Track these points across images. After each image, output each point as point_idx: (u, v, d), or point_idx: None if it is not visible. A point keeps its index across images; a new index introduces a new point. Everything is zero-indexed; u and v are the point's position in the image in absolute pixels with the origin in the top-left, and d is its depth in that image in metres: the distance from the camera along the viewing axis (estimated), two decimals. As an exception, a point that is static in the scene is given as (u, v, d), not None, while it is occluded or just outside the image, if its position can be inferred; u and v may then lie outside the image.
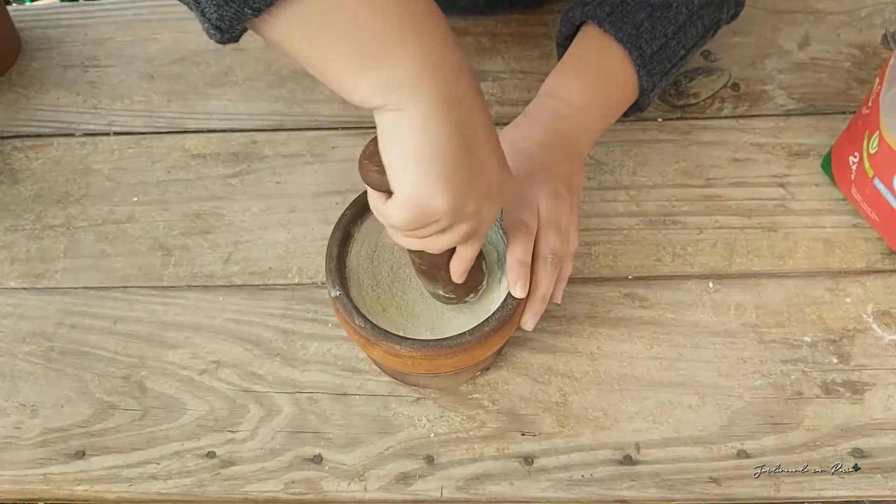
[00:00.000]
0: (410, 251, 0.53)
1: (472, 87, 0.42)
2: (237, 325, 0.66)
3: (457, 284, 0.55)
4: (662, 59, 0.62)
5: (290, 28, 0.38)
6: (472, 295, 0.58)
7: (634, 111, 0.66)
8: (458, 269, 0.52)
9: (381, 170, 0.43)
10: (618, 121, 0.65)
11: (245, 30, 0.40)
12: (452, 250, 0.51)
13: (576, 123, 0.61)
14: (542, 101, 0.62)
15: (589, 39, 0.63)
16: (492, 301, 0.58)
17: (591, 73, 0.62)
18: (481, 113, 0.43)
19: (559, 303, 0.60)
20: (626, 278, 0.67)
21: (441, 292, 0.57)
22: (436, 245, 0.47)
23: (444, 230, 0.45)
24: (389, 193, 0.43)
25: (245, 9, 0.37)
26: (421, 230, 0.44)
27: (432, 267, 0.54)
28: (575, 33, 0.65)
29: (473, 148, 0.42)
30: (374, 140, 0.43)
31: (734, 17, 0.69)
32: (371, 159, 0.43)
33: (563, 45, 0.66)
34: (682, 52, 0.64)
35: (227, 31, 0.39)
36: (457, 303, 0.59)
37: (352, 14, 0.38)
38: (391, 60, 0.39)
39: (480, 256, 0.57)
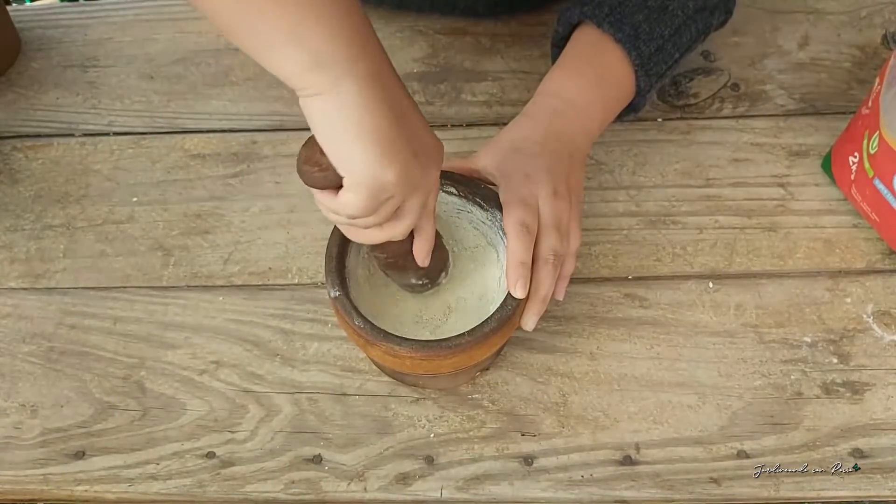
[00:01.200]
0: (372, 250, 0.53)
1: (384, 58, 0.43)
2: (237, 326, 0.66)
3: (426, 268, 0.55)
4: (659, 60, 0.63)
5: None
6: (443, 275, 0.58)
7: (630, 112, 0.66)
8: (422, 250, 0.52)
9: (323, 167, 0.43)
10: (616, 121, 0.65)
11: None
12: (412, 236, 0.52)
13: (575, 122, 0.61)
14: (540, 100, 0.62)
15: (587, 39, 0.63)
16: (491, 301, 0.58)
17: (590, 72, 0.62)
18: (402, 85, 0.44)
19: (561, 300, 0.60)
20: (626, 278, 0.67)
21: (413, 281, 0.57)
22: (396, 230, 0.47)
23: (399, 210, 0.46)
24: (337, 188, 0.44)
25: None
26: (378, 213, 0.45)
27: (398, 257, 0.54)
28: (571, 34, 0.65)
29: (407, 118, 0.43)
30: (307, 144, 0.44)
31: (723, 23, 0.70)
32: (309, 162, 0.44)
33: (559, 45, 0.66)
34: (677, 55, 0.64)
35: None
36: (431, 287, 0.59)
37: None
38: (321, 37, 0.39)
39: (437, 234, 0.56)
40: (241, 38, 0.40)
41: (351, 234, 0.49)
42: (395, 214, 0.47)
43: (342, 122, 0.41)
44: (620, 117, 0.65)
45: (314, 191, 0.46)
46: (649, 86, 0.63)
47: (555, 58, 0.66)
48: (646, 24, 0.61)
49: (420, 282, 0.58)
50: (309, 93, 0.41)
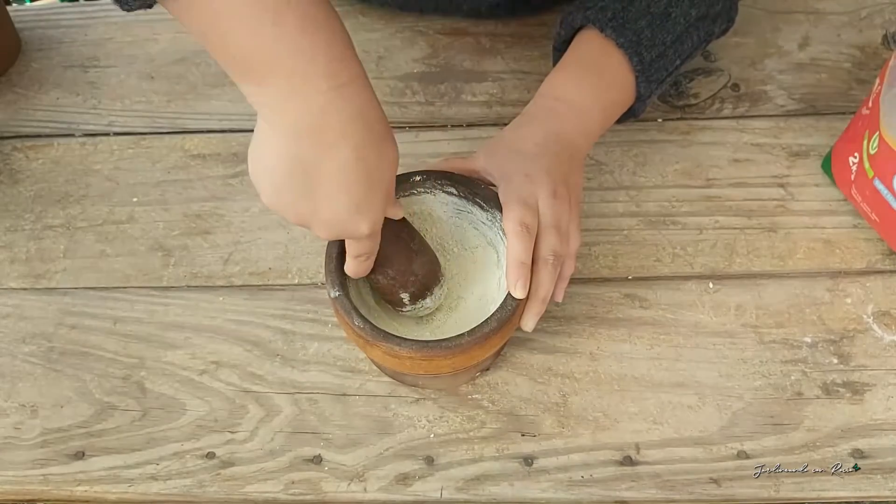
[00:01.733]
0: (376, 290, 0.58)
1: (338, 115, 0.43)
2: (237, 326, 0.66)
3: (377, 279, 0.56)
4: (660, 66, 0.63)
5: (182, 19, 0.41)
6: (420, 303, 0.58)
7: (629, 117, 0.66)
8: (348, 265, 0.53)
9: None
10: (616, 124, 0.65)
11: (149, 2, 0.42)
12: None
13: (575, 124, 0.61)
14: (541, 101, 0.62)
15: (589, 43, 0.63)
16: (491, 302, 0.58)
17: (591, 76, 0.63)
18: (337, 146, 0.44)
19: (560, 301, 0.60)
20: (626, 279, 0.67)
21: (407, 297, 0.57)
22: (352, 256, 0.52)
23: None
24: None
25: None
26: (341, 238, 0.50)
27: (388, 278, 0.56)
28: (573, 37, 0.65)
29: (309, 178, 0.45)
30: None
31: (724, 31, 0.70)
32: None
33: (561, 48, 0.66)
34: (678, 62, 0.64)
35: (126, 2, 0.41)
36: (415, 308, 0.58)
37: (226, 30, 0.40)
38: (259, 81, 0.42)
39: (422, 244, 0.57)
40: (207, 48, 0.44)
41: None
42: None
43: (260, 150, 0.47)
44: (620, 121, 0.66)
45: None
46: (649, 92, 0.63)
47: (556, 61, 0.66)
48: (648, 31, 0.61)
49: (425, 302, 0.58)
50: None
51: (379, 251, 0.53)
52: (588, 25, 0.63)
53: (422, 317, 0.60)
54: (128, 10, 0.41)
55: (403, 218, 0.54)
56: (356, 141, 0.44)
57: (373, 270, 0.54)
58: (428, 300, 0.57)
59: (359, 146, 0.44)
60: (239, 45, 0.41)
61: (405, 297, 0.56)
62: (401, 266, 0.55)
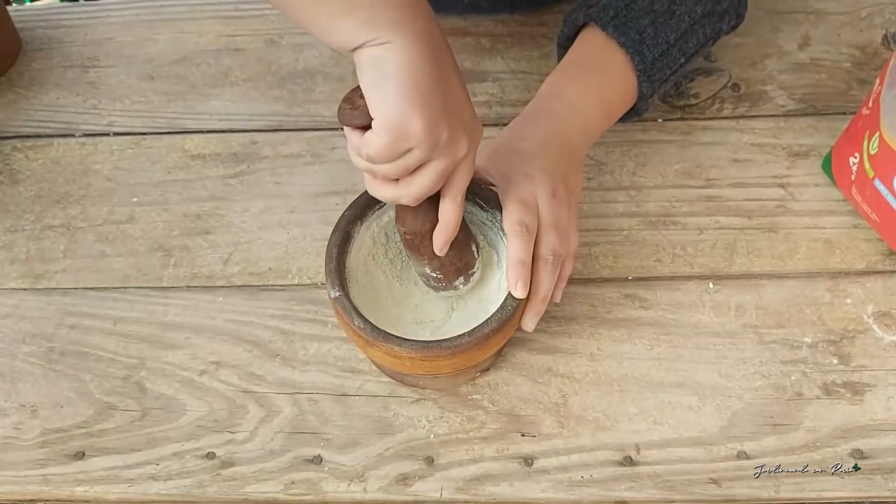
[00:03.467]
0: (397, 219, 0.54)
1: (439, 28, 0.46)
2: (237, 326, 0.66)
3: (443, 262, 0.55)
4: (663, 65, 0.62)
5: None
6: (461, 279, 0.57)
7: (632, 116, 0.66)
8: (440, 236, 0.52)
9: (355, 107, 0.46)
10: (618, 123, 0.65)
11: None
12: (435, 220, 0.52)
13: (575, 124, 0.61)
14: (541, 101, 0.62)
15: (591, 42, 0.63)
16: (491, 302, 0.58)
17: (592, 76, 0.63)
18: (450, 52, 0.47)
19: (558, 302, 0.60)
20: (627, 279, 0.67)
21: (427, 270, 0.57)
22: (409, 190, 0.48)
23: (419, 167, 0.47)
24: (365, 128, 0.46)
25: None
26: (396, 163, 0.46)
27: (415, 236, 0.54)
28: (576, 35, 0.65)
29: (447, 80, 0.46)
30: (353, 89, 0.47)
31: (734, 28, 0.69)
32: (347, 101, 0.47)
33: (564, 45, 0.66)
34: (682, 60, 0.64)
35: None
36: (446, 288, 0.58)
37: None
38: (371, 4, 0.43)
39: (470, 237, 0.56)
40: (299, 14, 0.45)
41: (370, 185, 0.50)
42: (413, 173, 0.48)
43: (383, 69, 0.44)
44: (623, 120, 0.65)
45: (346, 129, 0.48)
46: (652, 91, 0.63)
47: (560, 57, 0.65)
48: (651, 29, 0.61)
49: (434, 274, 0.57)
50: (362, 48, 0.44)
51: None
52: (590, 24, 0.63)
53: (451, 297, 0.60)
54: None
55: None
56: (450, 48, 0.47)
57: (425, 249, 0.54)
58: (476, 272, 0.58)
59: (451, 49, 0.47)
60: None
61: (464, 272, 0.57)
62: (460, 239, 0.54)
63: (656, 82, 0.63)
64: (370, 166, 0.48)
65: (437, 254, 0.53)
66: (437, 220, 0.52)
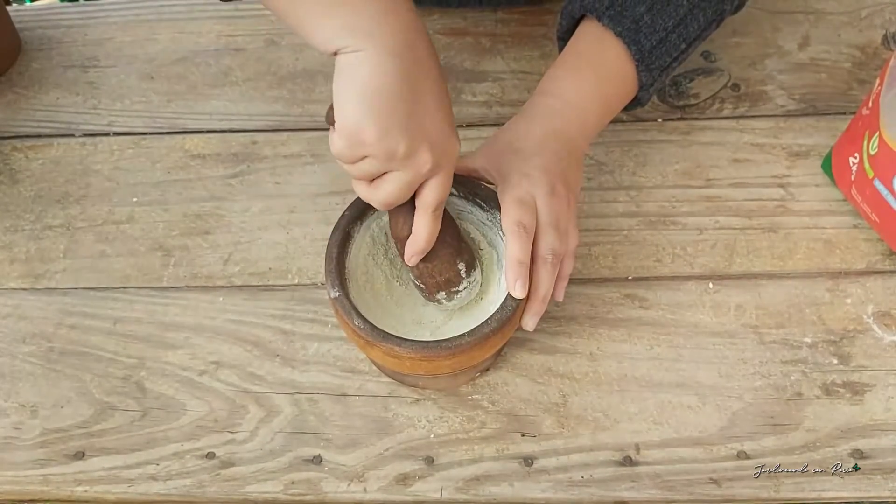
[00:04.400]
0: (389, 224, 0.55)
1: (423, 41, 0.47)
2: (237, 326, 0.66)
3: (421, 272, 0.55)
4: (662, 53, 0.61)
5: None
6: (442, 294, 0.57)
7: (635, 106, 0.65)
8: (410, 248, 0.53)
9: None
10: (617, 120, 0.65)
11: None
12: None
13: (573, 121, 0.61)
14: (538, 99, 0.62)
15: (587, 34, 0.62)
16: (491, 302, 0.58)
17: (589, 69, 0.62)
18: (431, 66, 0.47)
19: (560, 301, 0.60)
20: (626, 279, 0.67)
21: (411, 276, 0.57)
22: (374, 196, 0.50)
23: (380, 178, 0.49)
24: None
25: None
26: (356, 167, 0.48)
27: (397, 240, 0.55)
28: (575, 27, 0.64)
29: (417, 94, 0.46)
30: None
31: (739, 7, 0.67)
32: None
33: (564, 38, 0.65)
34: (684, 46, 0.62)
35: None
36: (430, 300, 0.58)
37: None
38: (353, 6, 0.44)
39: (456, 255, 0.56)
40: (284, 15, 0.47)
41: (354, 185, 0.52)
42: (379, 178, 0.49)
43: (352, 76, 0.45)
44: (627, 109, 0.64)
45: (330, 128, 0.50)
46: (653, 80, 0.62)
47: (561, 49, 0.65)
48: (647, 16, 0.60)
49: (416, 283, 0.57)
50: (339, 53, 0.46)
51: None
52: (587, 15, 0.62)
53: (460, 308, 0.60)
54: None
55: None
56: (436, 57, 0.48)
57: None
58: (463, 292, 0.57)
59: (438, 63, 0.47)
60: None
61: (444, 288, 0.56)
62: (441, 255, 0.54)
63: (656, 70, 0.61)
64: (340, 163, 0.50)
65: (406, 262, 0.54)
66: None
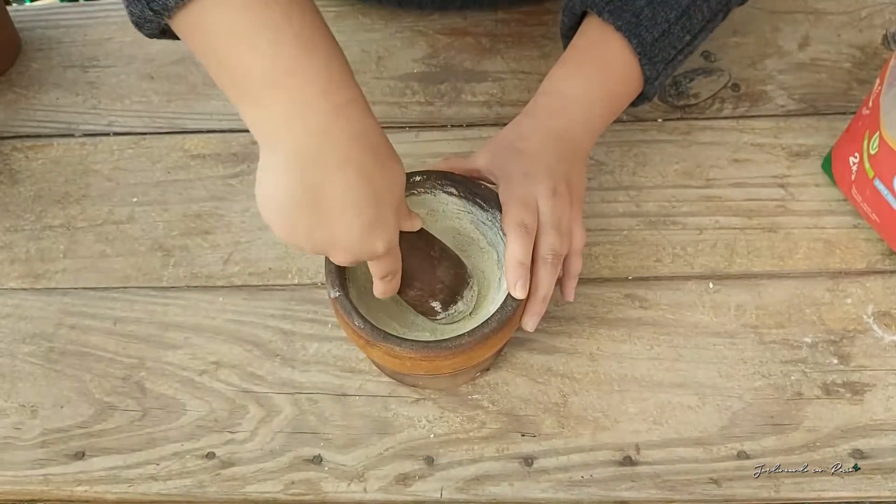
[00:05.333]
0: None
1: (333, 140, 0.44)
2: (237, 326, 0.66)
3: (412, 300, 0.56)
4: (665, 45, 0.60)
5: (183, 37, 0.44)
6: (439, 308, 0.57)
7: (642, 101, 0.64)
8: (376, 288, 0.53)
9: None
10: (617, 119, 0.65)
11: (167, 31, 0.45)
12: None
13: (576, 120, 0.60)
14: (541, 99, 0.62)
15: (589, 30, 0.61)
16: (491, 302, 0.58)
17: (591, 67, 0.61)
18: (339, 170, 0.44)
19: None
20: (626, 279, 0.67)
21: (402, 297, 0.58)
22: (332, 259, 0.50)
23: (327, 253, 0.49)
24: None
25: (146, 11, 0.42)
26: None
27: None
28: (578, 24, 0.63)
29: (318, 204, 0.44)
30: None
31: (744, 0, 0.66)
32: None
33: (568, 35, 0.64)
34: (688, 38, 0.61)
35: (142, 27, 0.44)
36: (430, 320, 0.59)
37: (224, 49, 0.42)
38: (257, 102, 0.43)
39: (427, 295, 0.56)
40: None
41: None
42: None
43: (262, 180, 0.45)
44: (635, 104, 0.64)
45: None
46: (657, 73, 0.61)
47: (565, 46, 0.64)
48: (648, 9, 0.59)
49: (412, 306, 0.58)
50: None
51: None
52: (589, 11, 0.61)
53: (456, 322, 0.59)
54: (149, 37, 0.45)
55: (420, 228, 0.54)
56: (360, 162, 0.44)
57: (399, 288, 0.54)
58: (460, 304, 0.57)
59: (363, 166, 0.44)
60: (237, 64, 0.42)
61: (436, 305, 0.56)
62: (425, 276, 0.54)
63: (660, 64, 0.60)
64: None
65: (377, 295, 0.54)
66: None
